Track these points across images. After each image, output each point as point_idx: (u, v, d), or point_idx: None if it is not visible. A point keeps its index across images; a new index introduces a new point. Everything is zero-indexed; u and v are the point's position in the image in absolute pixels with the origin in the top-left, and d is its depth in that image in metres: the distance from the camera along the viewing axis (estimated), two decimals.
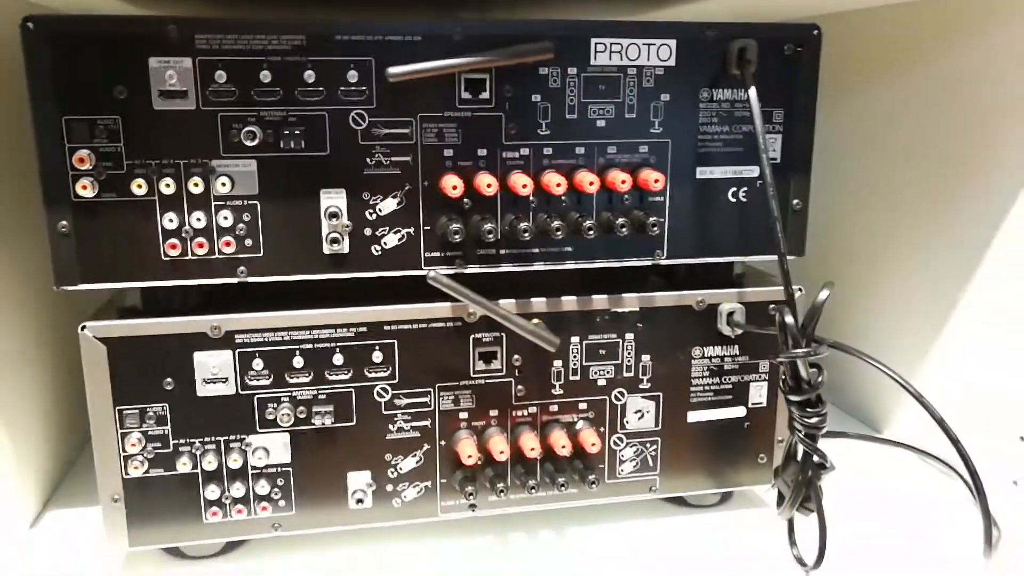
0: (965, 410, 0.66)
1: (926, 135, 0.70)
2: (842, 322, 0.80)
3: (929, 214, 0.70)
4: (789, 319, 0.53)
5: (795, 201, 0.58)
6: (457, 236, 0.53)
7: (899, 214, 0.74)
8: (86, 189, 0.49)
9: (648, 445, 0.60)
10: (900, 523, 0.62)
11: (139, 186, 0.49)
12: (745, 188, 0.57)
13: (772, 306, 0.58)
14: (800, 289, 0.57)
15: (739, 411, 0.61)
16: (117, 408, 0.52)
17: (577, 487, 0.58)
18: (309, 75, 0.50)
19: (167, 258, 0.51)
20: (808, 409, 0.54)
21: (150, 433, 0.53)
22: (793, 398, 0.54)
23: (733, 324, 0.59)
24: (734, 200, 0.57)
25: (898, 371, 0.59)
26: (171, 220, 0.50)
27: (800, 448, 0.55)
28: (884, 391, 0.77)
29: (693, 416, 0.60)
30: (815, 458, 0.55)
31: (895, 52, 0.73)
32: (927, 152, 0.70)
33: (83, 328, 0.51)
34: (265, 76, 0.50)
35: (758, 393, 0.60)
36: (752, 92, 0.54)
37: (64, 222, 0.49)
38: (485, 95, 0.52)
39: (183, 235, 0.51)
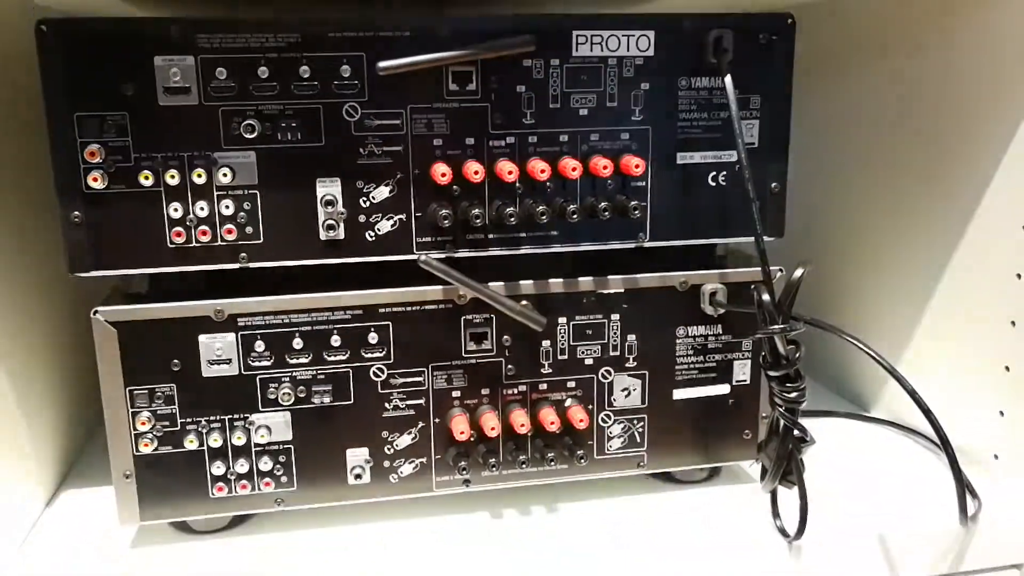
0: (947, 388, 0.68)
1: (907, 117, 0.72)
2: (828, 303, 0.82)
3: (911, 195, 0.72)
4: (766, 297, 0.55)
5: (773, 184, 0.60)
6: (447, 222, 0.55)
7: (882, 196, 0.76)
8: (96, 181, 0.52)
9: (635, 422, 0.62)
10: (884, 497, 0.64)
11: (146, 177, 0.52)
12: (725, 172, 0.59)
13: (753, 286, 0.60)
14: (780, 269, 0.59)
15: (723, 388, 0.63)
16: (128, 388, 0.55)
17: (567, 463, 0.61)
18: (304, 70, 0.53)
19: (172, 245, 0.54)
20: (787, 384, 0.56)
21: (159, 412, 0.56)
22: (772, 373, 0.56)
23: (715, 304, 0.61)
24: (714, 184, 0.60)
25: (882, 351, 0.61)
26: (176, 209, 0.53)
27: (781, 423, 0.57)
28: (872, 372, 0.79)
29: (678, 393, 0.62)
30: (795, 432, 0.57)
31: (874, 36, 0.75)
32: (908, 134, 0.72)
33: (95, 313, 0.54)
34: (263, 72, 0.52)
35: (741, 371, 0.63)
36: (728, 80, 0.56)
37: (76, 212, 0.52)
38: (472, 87, 0.55)
39: (187, 223, 0.54)
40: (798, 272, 0.55)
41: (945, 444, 0.57)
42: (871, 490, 0.65)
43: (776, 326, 0.55)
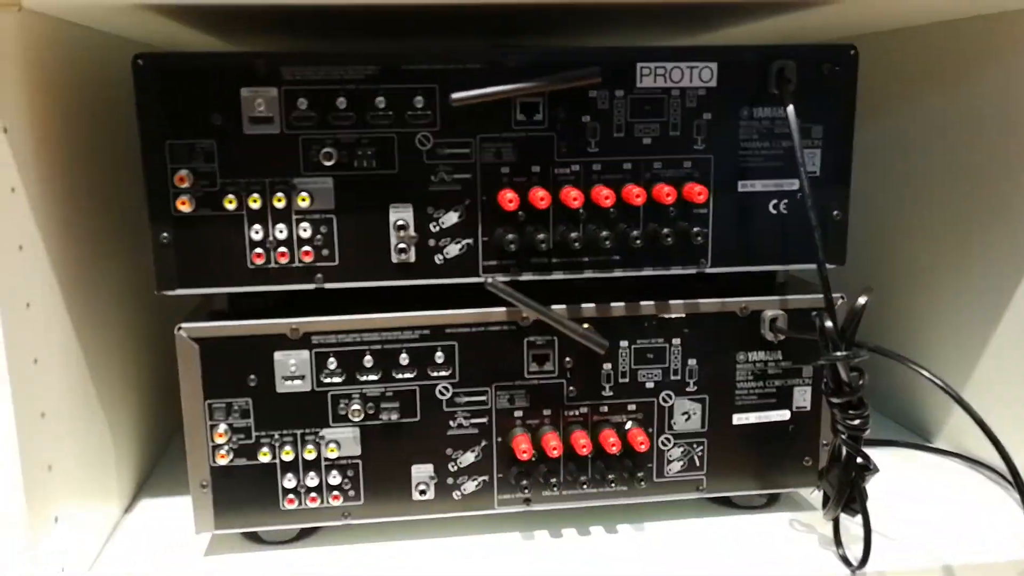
0: (1015, 418, 0.67)
1: (971, 143, 0.72)
2: (891, 332, 0.82)
3: (974, 221, 0.72)
4: (829, 323, 0.56)
5: (835, 212, 0.61)
6: (513, 246, 0.57)
7: (944, 222, 0.75)
8: (185, 205, 0.55)
9: (695, 446, 0.62)
10: (949, 529, 0.63)
11: (230, 202, 0.56)
12: (786, 200, 0.60)
13: (814, 312, 0.61)
14: (842, 297, 0.60)
15: (783, 414, 0.63)
16: (207, 402, 0.58)
17: (626, 485, 0.62)
18: (380, 101, 0.55)
19: (252, 266, 0.57)
20: (850, 411, 0.56)
21: (235, 425, 0.58)
22: (835, 400, 0.56)
23: (776, 330, 0.61)
24: (775, 212, 0.60)
25: (948, 381, 0.60)
26: (257, 232, 0.56)
27: (844, 450, 0.57)
28: (933, 400, 0.78)
29: (738, 418, 0.62)
30: (859, 460, 0.57)
31: (938, 66, 0.75)
32: (972, 162, 0.72)
33: (179, 329, 0.57)
34: (341, 102, 0.55)
35: (802, 397, 0.63)
36: (790, 110, 0.57)
37: (165, 233, 0.56)
38: (539, 116, 0.57)
39: (267, 246, 0.56)
40: (862, 299, 0.55)
41: (1015, 475, 0.56)
42: (935, 521, 0.64)
43: (839, 353, 0.55)
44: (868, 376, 0.56)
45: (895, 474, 0.70)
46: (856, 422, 0.56)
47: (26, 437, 0.50)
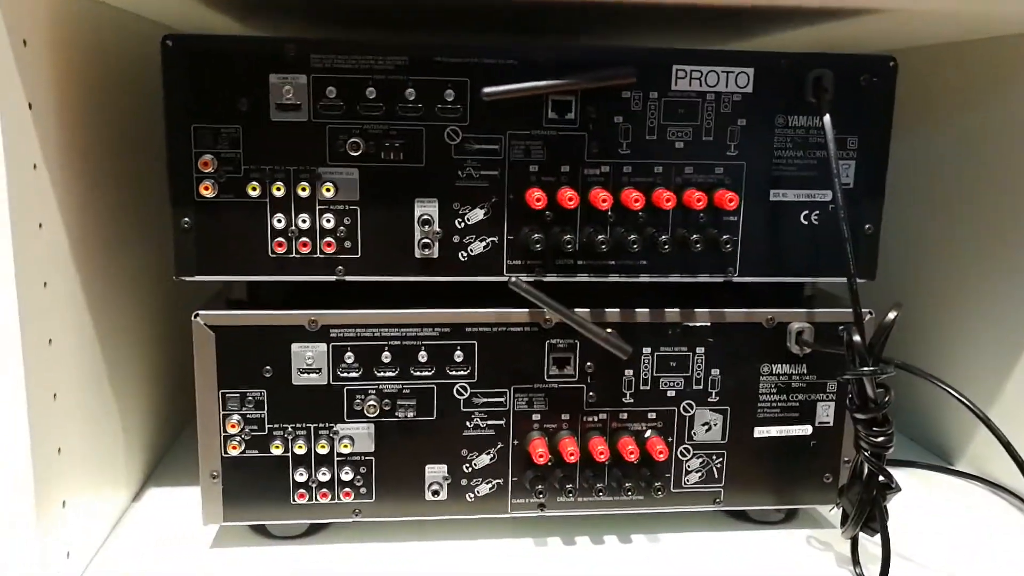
0: None
1: (1004, 163, 0.70)
2: (916, 350, 0.80)
3: (1005, 242, 0.71)
4: (857, 338, 0.54)
5: (867, 225, 0.59)
6: (538, 246, 0.56)
7: (975, 241, 0.74)
8: (207, 190, 0.54)
9: (714, 457, 0.61)
10: (968, 553, 0.62)
11: (253, 188, 0.55)
12: (817, 211, 0.59)
13: (841, 327, 0.60)
14: (870, 312, 0.59)
15: (805, 429, 0.62)
16: (220, 391, 0.57)
17: (643, 494, 0.61)
18: (410, 92, 0.55)
19: (273, 255, 0.56)
20: (875, 428, 0.55)
21: (248, 416, 0.57)
22: (860, 416, 0.55)
23: (802, 343, 0.60)
24: (806, 222, 0.59)
25: (974, 402, 0.59)
26: (279, 221, 0.55)
27: (866, 467, 0.56)
28: (957, 422, 0.76)
29: (759, 431, 0.61)
30: (881, 478, 0.56)
31: (975, 83, 0.74)
32: (1005, 180, 0.71)
33: (196, 316, 0.56)
34: (370, 92, 0.54)
35: (825, 412, 0.62)
36: (827, 119, 0.56)
37: (187, 218, 0.55)
38: (570, 115, 0.56)
39: (289, 235, 0.55)
40: (891, 314, 0.54)
41: None
42: (956, 545, 0.63)
43: (867, 368, 0.54)
44: (893, 392, 0.55)
45: (915, 495, 0.69)
46: (880, 439, 0.55)
47: (37, 418, 0.49)
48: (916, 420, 0.82)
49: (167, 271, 0.56)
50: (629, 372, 0.60)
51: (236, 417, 0.57)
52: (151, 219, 0.68)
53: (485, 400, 0.59)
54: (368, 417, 0.58)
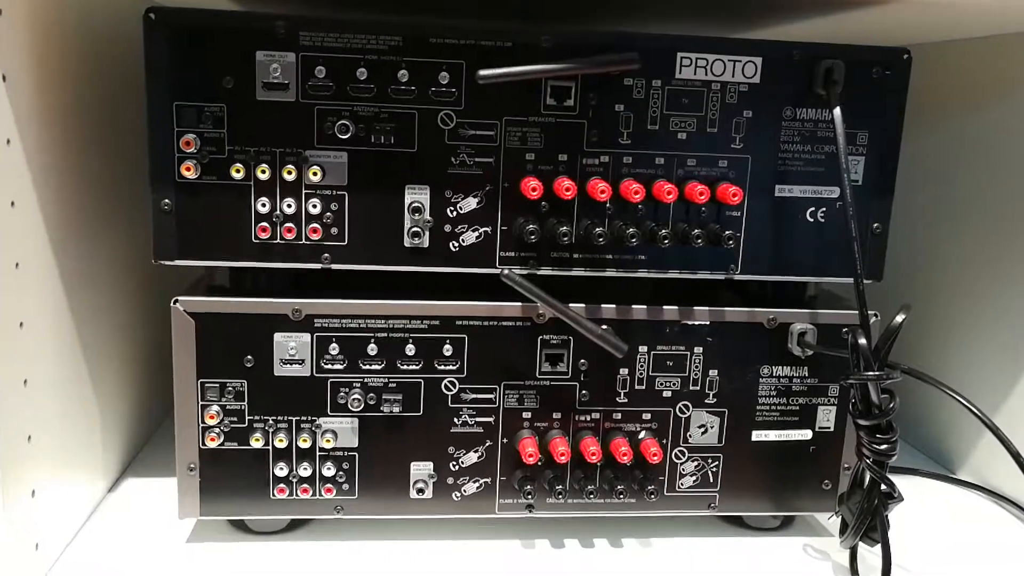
0: None
1: (1019, 164, 0.68)
2: (920, 353, 0.78)
3: (1018, 244, 0.68)
4: (863, 341, 0.52)
5: (875, 224, 0.57)
6: (533, 237, 0.54)
7: (986, 244, 0.72)
8: (189, 171, 0.52)
9: (710, 461, 0.59)
10: (969, 567, 0.60)
11: (237, 170, 0.52)
12: (824, 208, 0.57)
13: (845, 329, 0.58)
14: (875, 314, 0.57)
15: (805, 434, 0.60)
16: (200, 380, 0.55)
17: (635, 497, 0.58)
18: (403, 74, 0.52)
19: (257, 240, 0.53)
20: (878, 435, 0.53)
21: (228, 407, 0.55)
22: (863, 423, 0.53)
23: (804, 345, 0.58)
24: (812, 220, 0.57)
25: (980, 409, 0.57)
26: (264, 204, 0.53)
27: (867, 475, 0.54)
28: (961, 430, 0.74)
29: (757, 435, 0.59)
30: (883, 487, 0.54)
31: (987, 81, 0.72)
32: (1018, 182, 0.68)
33: (175, 302, 0.54)
34: (361, 73, 0.52)
35: (826, 417, 0.60)
36: (837, 113, 0.54)
37: (167, 200, 0.52)
38: (569, 102, 0.54)
39: (274, 220, 0.53)
40: (899, 317, 0.52)
41: None
42: (957, 557, 0.61)
43: (872, 373, 0.52)
44: (898, 399, 0.53)
45: (916, 504, 0.67)
46: (883, 447, 0.53)
47: (5, 404, 0.47)
48: (916, 426, 0.80)
49: (147, 254, 0.54)
50: (624, 371, 0.57)
51: (215, 408, 0.55)
52: (133, 200, 0.66)
53: (474, 396, 0.57)
54: (352, 411, 0.56)
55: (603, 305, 0.57)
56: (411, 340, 0.55)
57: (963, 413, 0.62)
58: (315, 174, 0.53)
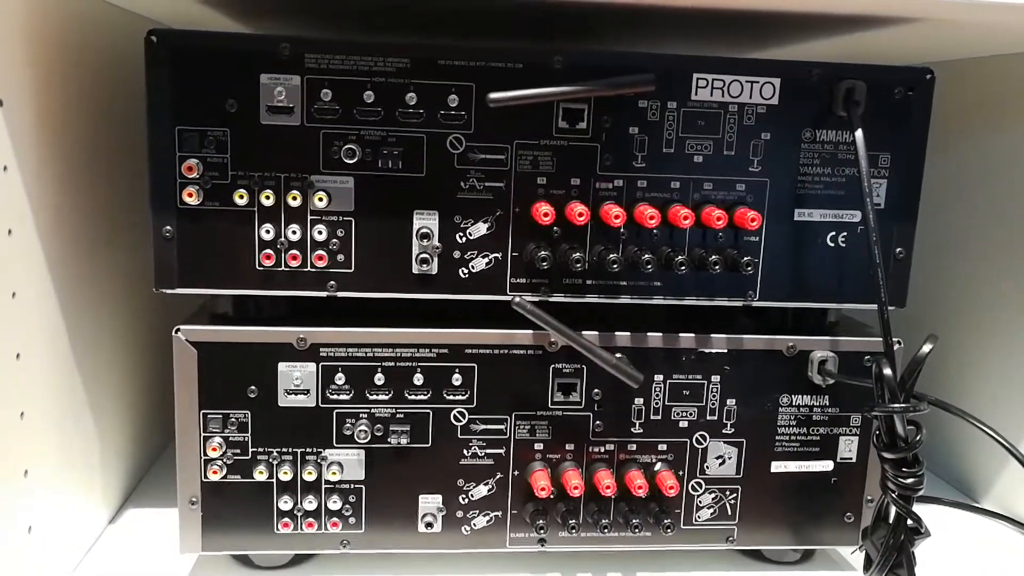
0: None
1: None
2: (939, 379, 0.76)
3: None
4: (887, 371, 0.51)
5: (898, 249, 0.56)
6: (545, 264, 0.52)
7: (1011, 270, 0.70)
8: (191, 197, 0.51)
9: (728, 493, 0.57)
10: None
11: (240, 196, 0.51)
12: (845, 233, 0.55)
13: (868, 357, 0.56)
14: (899, 342, 0.55)
15: (826, 465, 0.58)
16: (202, 412, 0.53)
17: (651, 530, 0.56)
18: (411, 97, 0.51)
19: (261, 268, 0.52)
20: (903, 469, 0.51)
21: (231, 439, 0.53)
22: (888, 456, 0.51)
23: (825, 373, 0.56)
24: (832, 245, 0.55)
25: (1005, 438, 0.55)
26: (268, 231, 0.52)
27: (893, 510, 0.52)
28: (984, 458, 0.72)
29: (777, 466, 0.57)
30: (909, 521, 0.52)
31: (1009, 101, 0.70)
32: None
33: (177, 331, 0.52)
34: (368, 96, 0.51)
35: (847, 448, 0.58)
36: (858, 135, 0.52)
37: (168, 227, 0.51)
38: (582, 125, 0.52)
39: (278, 247, 0.52)
40: (927, 347, 0.50)
41: None
42: None
43: (898, 405, 0.50)
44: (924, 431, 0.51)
45: (940, 536, 0.65)
46: (909, 480, 0.51)
47: (0, 438, 0.46)
48: (936, 452, 0.77)
49: (148, 283, 0.52)
50: (639, 400, 0.56)
51: (218, 439, 0.53)
52: (133, 227, 0.64)
53: (484, 427, 0.55)
54: (359, 443, 0.54)
55: (617, 333, 0.55)
56: (419, 369, 0.54)
57: (986, 441, 0.60)
58: (321, 200, 0.51)
